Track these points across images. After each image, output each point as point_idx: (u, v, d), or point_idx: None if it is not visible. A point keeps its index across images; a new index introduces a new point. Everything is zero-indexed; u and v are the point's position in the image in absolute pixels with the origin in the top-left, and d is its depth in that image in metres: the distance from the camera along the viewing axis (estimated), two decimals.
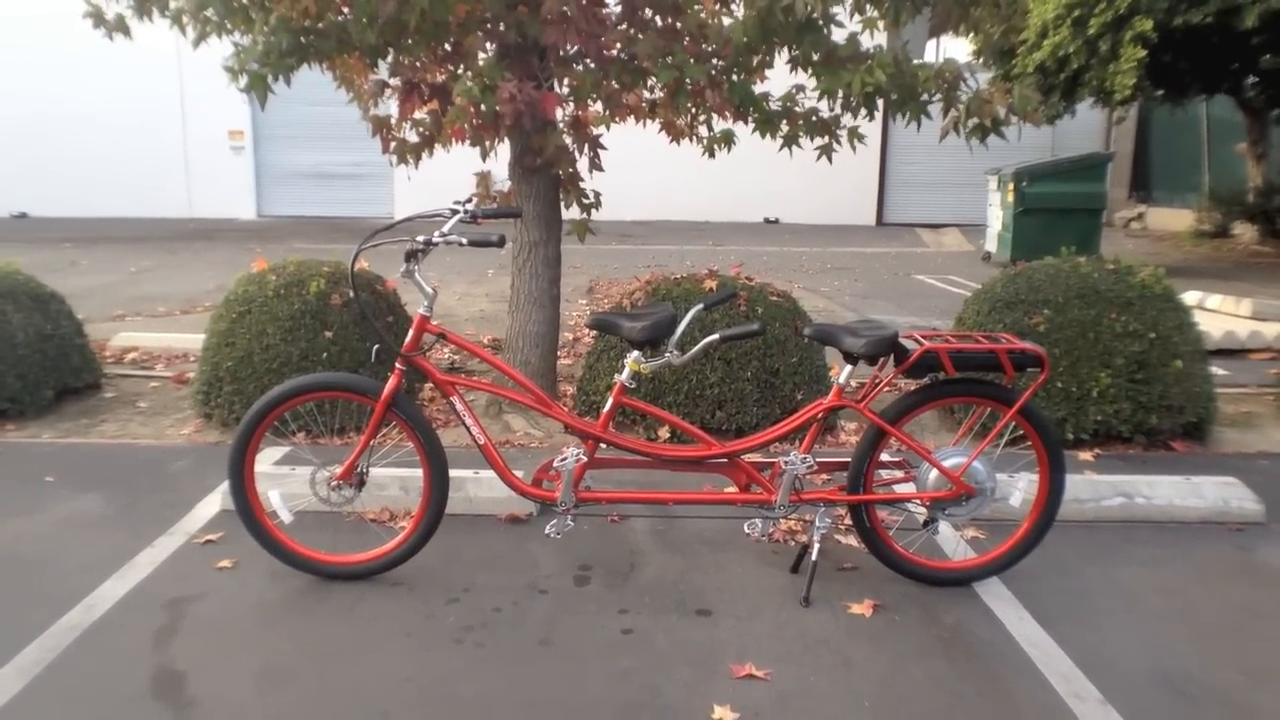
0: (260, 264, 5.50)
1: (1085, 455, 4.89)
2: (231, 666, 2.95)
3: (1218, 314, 8.29)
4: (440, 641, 3.11)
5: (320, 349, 5.13)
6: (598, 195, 5.49)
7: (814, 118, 5.17)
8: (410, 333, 3.33)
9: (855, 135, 5.13)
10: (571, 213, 5.59)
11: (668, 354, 3.34)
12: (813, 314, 6.20)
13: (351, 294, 3.38)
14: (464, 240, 3.19)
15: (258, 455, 3.47)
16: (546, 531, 3.43)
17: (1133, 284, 5.13)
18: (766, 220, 18.93)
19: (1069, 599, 3.44)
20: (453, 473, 4.07)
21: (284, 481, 3.91)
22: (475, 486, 4.10)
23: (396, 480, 4.09)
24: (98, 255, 13.44)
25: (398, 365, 3.32)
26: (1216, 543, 3.93)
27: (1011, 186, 12.25)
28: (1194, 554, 3.82)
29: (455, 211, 3.35)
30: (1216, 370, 5.40)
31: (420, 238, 3.22)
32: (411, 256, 3.22)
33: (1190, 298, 7.48)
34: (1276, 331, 7.58)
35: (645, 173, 16.90)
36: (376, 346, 3.30)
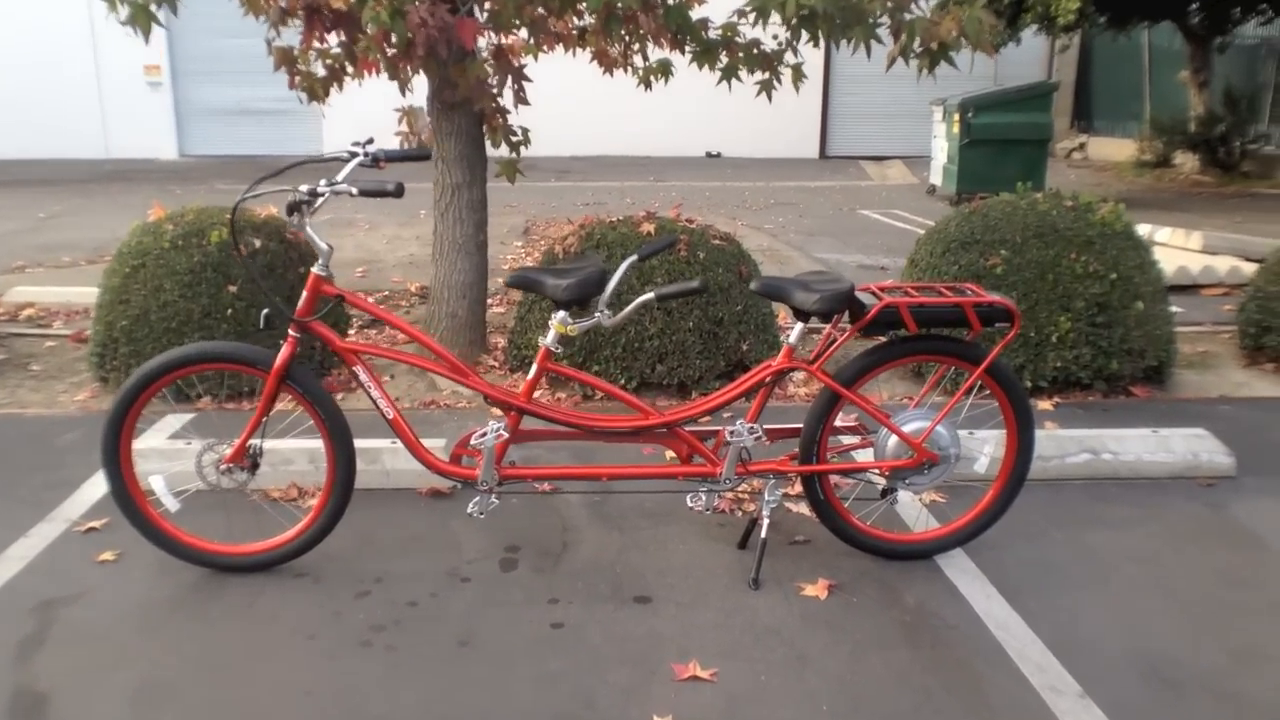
0: (157, 211, 5.01)
1: (1044, 404, 4.64)
2: (103, 684, 2.58)
3: (1168, 248, 8.10)
4: (346, 645, 2.76)
5: (224, 305, 4.68)
6: (526, 132, 5.06)
7: (755, 50, 4.78)
8: (304, 295, 2.92)
9: (798, 74, 4.76)
10: (500, 152, 5.16)
11: (597, 314, 2.98)
12: (757, 254, 5.86)
13: (239, 250, 2.96)
14: (354, 190, 2.78)
15: (141, 427, 3.07)
16: (469, 511, 3.08)
17: (1093, 222, 4.86)
18: (708, 154, 18.49)
19: (1038, 571, 3.18)
20: (368, 443, 3.73)
21: (180, 458, 3.52)
22: (392, 458, 3.73)
23: (304, 453, 3.71)
24: (4, 199, 12.67)
25: (291, 332, 2.92)
26: (1188, 500, 3.69)
27: (957, 117, 11.95)
28: (1166, 514, 3.59)
29: (354, 154, 2.94)
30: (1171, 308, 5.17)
31: (303, 187, 2.80)
32: (296, 209, 2.80)
33: (1139, 231, 7.26)
34: (1229, 266, 7.41)
35: (583, 107, 16.34)
36: (266, 311, 2.89)
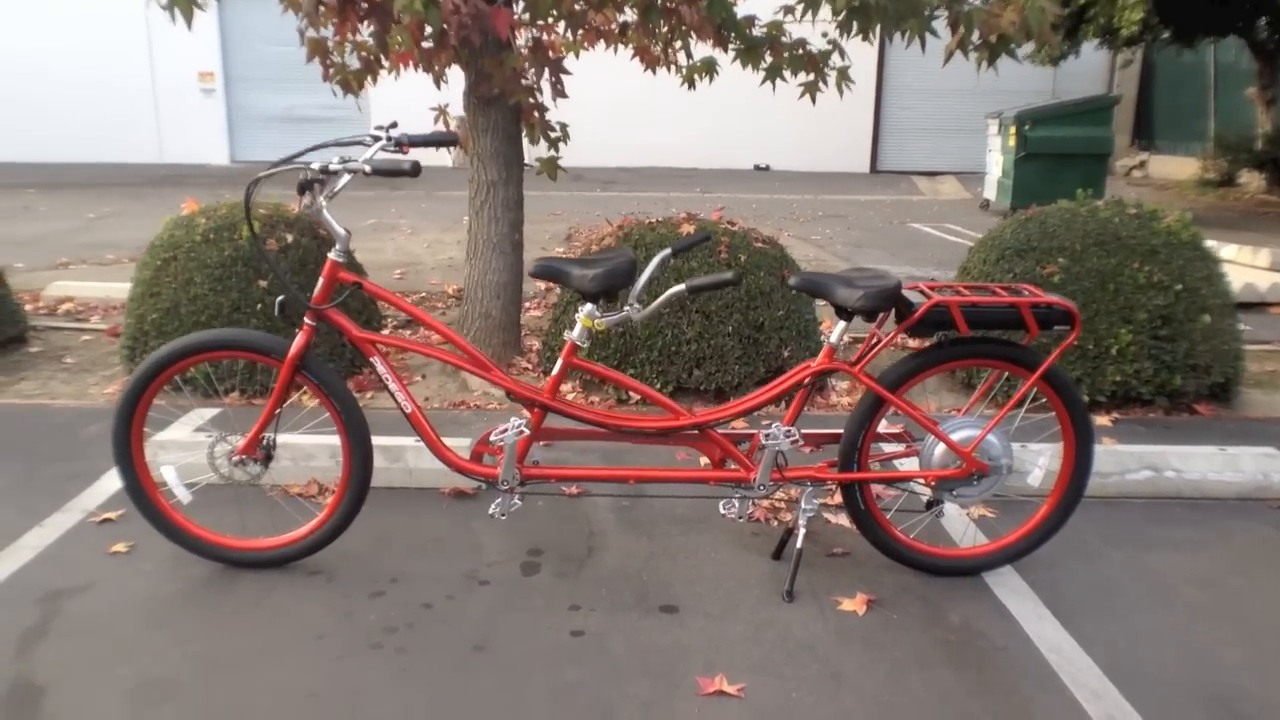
0: (190, 206, 4.96)
1: (1102, 420, 4.41)
2: (102, 679, 2.47)
3: (1234, 265, 7.79)
4: (356, 646, 2.62)
5: (254, 299, 4.60)
6: (565, 128, 4.94)
7: (800, 50, 4.62)
8: (320, 282, 2.81)
9: (844, 77, 4.59)
10: (540, 150, 5.05)
11: (626, 307, 2.83)
12: (802, 263, 5.70)
13: (254, 233, 2.85)
14: (368, 168, 2.66)
15: (166, 420, 2.97)
16: (490, 511, 2.93)
17: (1157, 230, 4.62)
18: (757, 167, 18.32)
19: (1094, 592, 2.97)
20: (391, 440, 3.63)
21: (198, 450, 3.42)
22: (415, 457, 3.60)
23: (326, 449, 3.59)
24: (58, 201, 12.82)
25: (306, 320, 2.80)
26: (1258, 523, 3.45)
27: (1013, 130, 11.67)
28: (1233, 537, 3.35)
29: (377, 138, 2.82)
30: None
31: (315, 165, 2.68)
32: (308, 188, 2.69)
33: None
34: None
35: (631, 118, 16.30)
36: (281, 298, 2.78)
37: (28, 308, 6.03)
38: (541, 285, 6.99)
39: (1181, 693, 2.47)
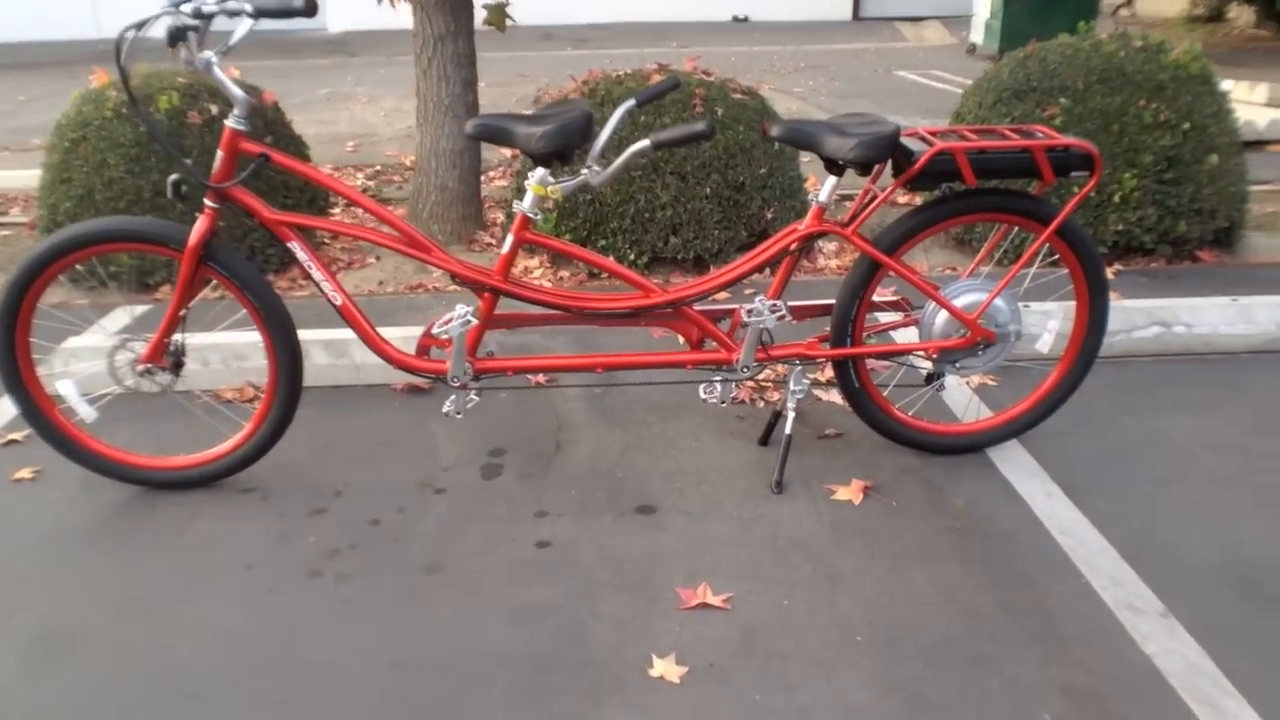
0: (100, 78, 4.46)
1: None
2: None
3: (1232, 102, 7.37)
4: (292, 575, 2.32)
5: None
6: None
7: None
8: (219, 156, 2.40)
9: None
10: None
11: (584, 170, 2.45)
12: (785, 116, 5.26)
13: (134, 102, 2.40)
14: (249, 7, 2.23)
15: (84, 324, 2.61)
16: (445, 410, 2.61)
17: (1165, 64, 4.22)
18: (735, 19, 17.48)
19: (1105, 464, 2.70)
20: (333, 334, 3.31)
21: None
22: (362, 351, 3.25)
23: (259, 347, 3.24)
24: None
25: (207, 202, 2.41)
26: (1274, 377, 3.19)
27: None
28: (1248, 394, 3.09)
29: None
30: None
31: (187, 6, 2.25)
32: (180, 36, 2.26)
33: None
34: None
35: None
36: (174, 177, 2.38)
37: None
38: (507, 152, 6.54)
39: (1206, 574, 2.22)
